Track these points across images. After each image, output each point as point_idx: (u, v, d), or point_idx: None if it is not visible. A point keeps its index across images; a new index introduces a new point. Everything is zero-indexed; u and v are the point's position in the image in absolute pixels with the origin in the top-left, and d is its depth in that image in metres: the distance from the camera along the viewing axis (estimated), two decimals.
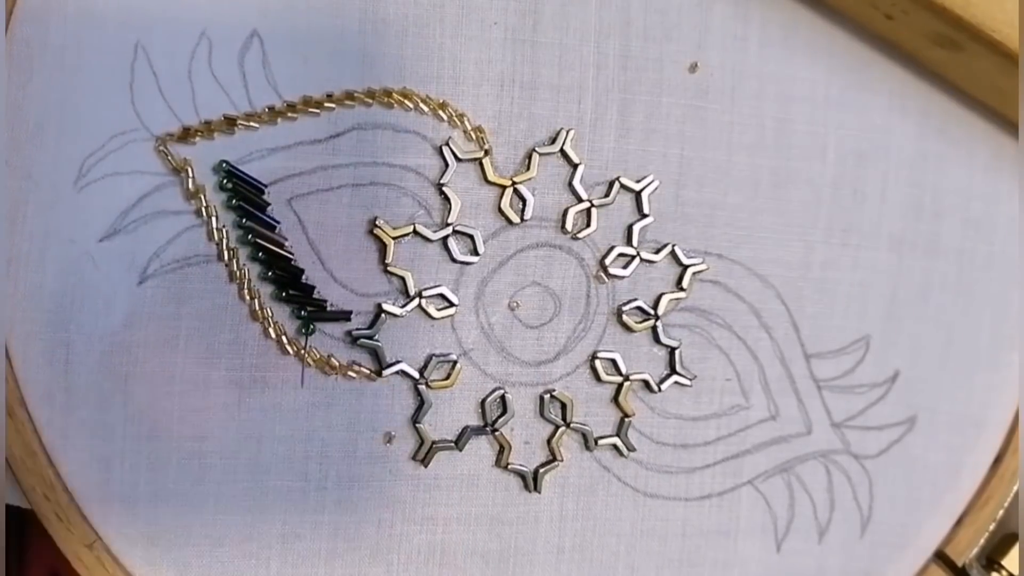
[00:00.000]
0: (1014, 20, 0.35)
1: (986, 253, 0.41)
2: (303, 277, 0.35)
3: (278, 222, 0.35)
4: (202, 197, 0.34)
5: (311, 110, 0.35)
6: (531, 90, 0.36)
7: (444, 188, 0.36)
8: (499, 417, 0.37)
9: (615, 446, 0.38)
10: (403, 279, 0.36)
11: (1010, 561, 0.41)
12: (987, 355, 0.42)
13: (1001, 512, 0.42)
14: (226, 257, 0.34)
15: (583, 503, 0.38)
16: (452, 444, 0.37)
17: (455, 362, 0.36)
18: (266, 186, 0.35)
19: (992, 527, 0.42)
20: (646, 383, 0.38)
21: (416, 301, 0.36)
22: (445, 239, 0.36)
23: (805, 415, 0.40)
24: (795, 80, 0.39)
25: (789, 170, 0.39)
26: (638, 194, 0.37)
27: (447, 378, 0.36)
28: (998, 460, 0.42)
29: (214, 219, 0.34)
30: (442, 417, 0.37)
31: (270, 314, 0.35)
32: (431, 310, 0.36)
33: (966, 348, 0.41)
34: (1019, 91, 0.36)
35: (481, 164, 0.36)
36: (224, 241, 0.34)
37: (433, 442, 0.36)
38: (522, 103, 0.36)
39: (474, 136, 0.36)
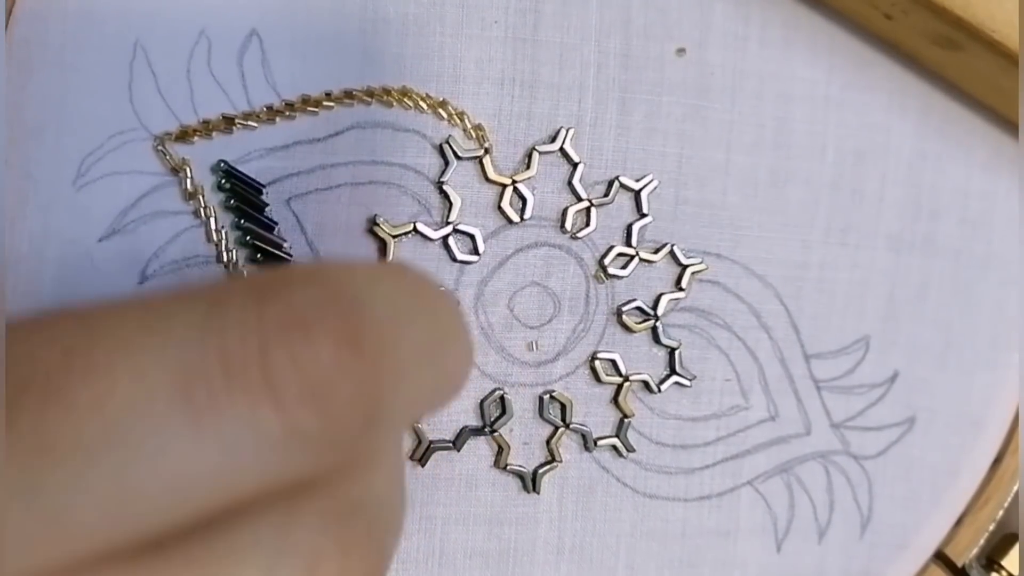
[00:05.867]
0: (1014, 20, 0.35)
1: (984, 253, 0.41)
2: None
3: (276, 223, 0.35)
4: (200, 197, 0.34)
5: (310, 109, 0.34)
6: (531, 89, 0.36)
7: (444, 186, 0.36)
8: (498, 418, 0.37)
9: (614, 447, 0.38)
10: None
11: (1010, 561, 0.41)
12: (986, 355, 0.42)
13: (1001, 512, 0.42)
14: (225, 258, 0.34)
15: (582, 504, 0.38)
16: (450, 444, 0.37)
17: None
18: (264, 186, 0.34)
19: (992, 527, 0.42)
20: (646, 384, 0.38)
21: None
22: (445, 238, 0.36)
23: (804, 416, 0.40)
24: (795, 79, 0.39)
25: (788, 169, 0.39)
26: (637, 193, 0.37)
27: None
28: (998, 460, 0.42)
29: (213, 219, 0.34)
30: (440, 417, 0.37)
31: None
32: None
33: (965, 348, 0.41)
34: (1019, 91, 0.36)
35: (481, 162, 0.36)
36: (223, 242, 0.34)
37: (431, 442, 0.36)
38: (522, 102, 0.36)
39: (474, 134, 0.36)
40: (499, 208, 0.36)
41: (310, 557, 0.19)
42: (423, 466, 0.36)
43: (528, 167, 0.36)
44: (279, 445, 0.18)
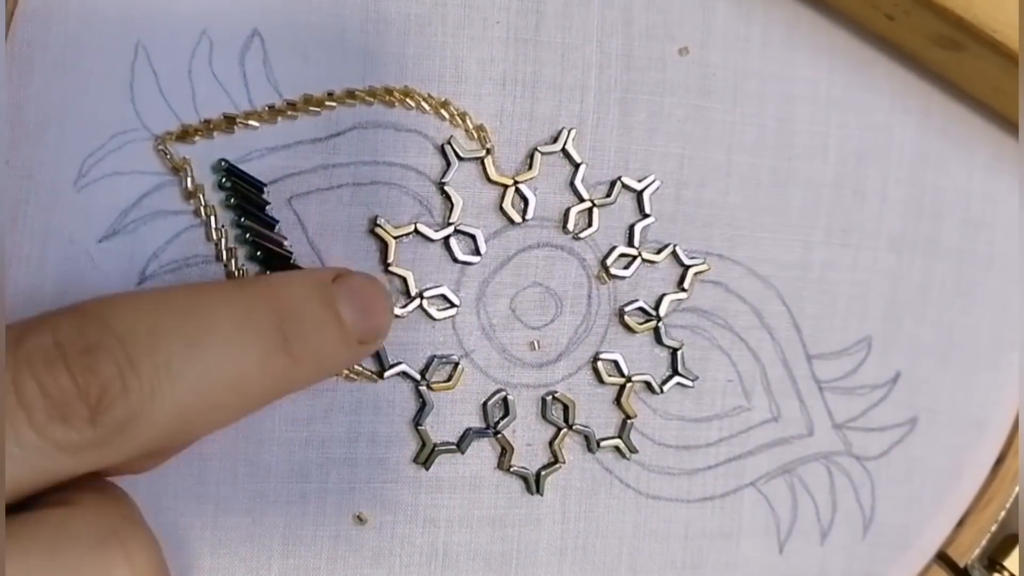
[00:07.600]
0: (1015, 21, 0.35)
1: (986, 253, 0.41)
2: None
3: (276, 221, 0.34)
4: (200, 196, 0.34)
5: (312, 109, 0.34)
6: (533, 89, 0.36)
7: (445, 187, 0.35)
8: (501, 419, 0.37)
9: (617, 448, 0.38)
10: (404, 279, 0.35)
11: (1012, 562, 0.41)
12: (988, 355, 0.42)
13: (1003, 513, 0.42)
14: (224, 257, 0.34)
15: (585, 505, 0.38)
16: (454, 447, 0.36)
17: (457, 363, 0.36)
18: (265, 185, 0.34)
19: (994, 528, 0.42)
20: (648, 384, 0.38)
21: (417, 301, 0.35)
22: (447, 239, 0.36)
23: (807, 416, 0.40)
24: (797, 79, 0.39)
25: (790, 170, 0.39)
26: (639, 194, 0.37)
27: (448, 380, 0.36)
28: (1000, 461, 0.42)
29: (213, 219, 0.34)
30: (443, 419, 0.36)
31: None
32: (432, 311, 0.36)
33: (967, 348, 0.41)
34: (1020, 91, 0.36)
35: (483, 163, 0.36)
36: (223, 241, 0.34)
37: (435, 445, 0.36)
38: (524, 102, 0.36)
39: (476, 135, 0.36)
40: (501, 209, 0.36)
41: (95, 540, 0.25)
42: (427, 469, 0.36)
43: (530, 168, 0.36)
44: (41, 451, 0.24)
